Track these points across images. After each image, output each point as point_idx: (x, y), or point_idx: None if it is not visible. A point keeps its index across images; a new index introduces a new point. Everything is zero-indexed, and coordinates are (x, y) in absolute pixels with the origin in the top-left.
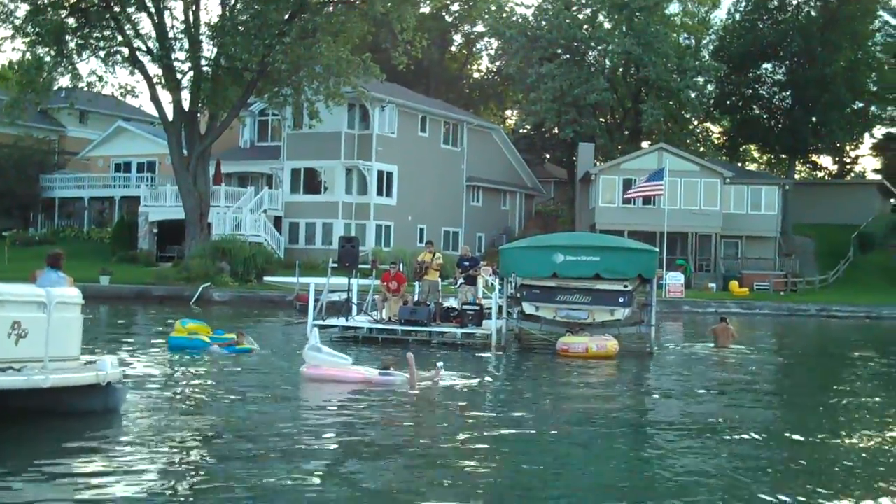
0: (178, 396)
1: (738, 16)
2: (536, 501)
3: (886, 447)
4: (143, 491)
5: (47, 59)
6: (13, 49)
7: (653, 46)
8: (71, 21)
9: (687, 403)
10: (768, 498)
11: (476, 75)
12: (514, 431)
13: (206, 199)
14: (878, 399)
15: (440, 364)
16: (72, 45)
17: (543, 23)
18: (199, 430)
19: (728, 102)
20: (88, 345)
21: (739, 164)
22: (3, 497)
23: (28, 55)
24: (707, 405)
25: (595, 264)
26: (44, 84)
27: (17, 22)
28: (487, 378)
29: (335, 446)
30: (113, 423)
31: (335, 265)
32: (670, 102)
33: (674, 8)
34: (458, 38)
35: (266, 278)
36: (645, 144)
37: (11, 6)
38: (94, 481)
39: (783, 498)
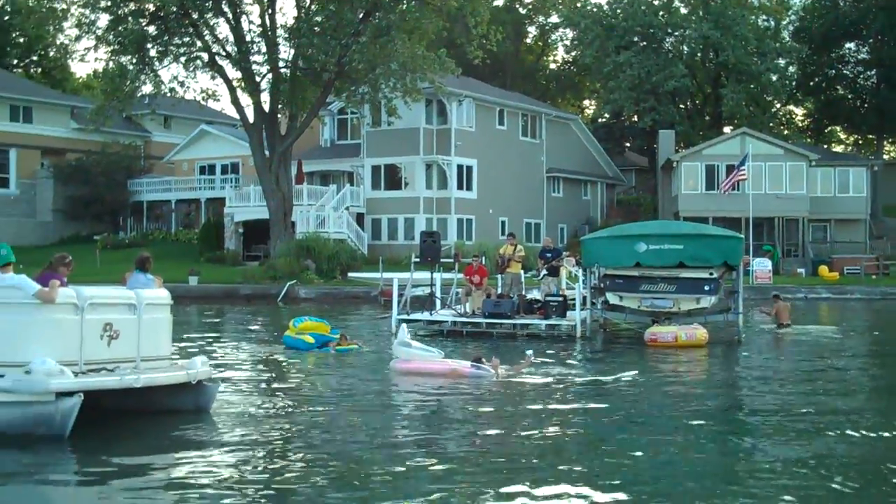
0: (268, 395)
1: None
2: (632, 492)
3: None
4: (232, 490)
5: (130, 67)
6: (96, 59)
7: (731, 30)
8: (151, 29)
9: (778, 391)
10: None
11: (552, 66)
12: (606, 421)
13: (289, 199)
14: None
15: (529, 352)
16: (153, 52)
17: (618, 10)
18: (288, 429)
19: (811, 84)
20: (179, 344)
21: (825, 147)
22: (95, 495)
23: (111, 64)
24: (799, 393)
25: (679, 252)
26: (127, 91)
27: (100, 32)
28: (575, 369)
29: (427, 444)
30: (203, 422)
31: (418, 260)
32: (751, 86)
33: None
34: (532, 30)
35: (350, 274)
36: (727, 130)
37: (93, 17)
38: (183, 480)
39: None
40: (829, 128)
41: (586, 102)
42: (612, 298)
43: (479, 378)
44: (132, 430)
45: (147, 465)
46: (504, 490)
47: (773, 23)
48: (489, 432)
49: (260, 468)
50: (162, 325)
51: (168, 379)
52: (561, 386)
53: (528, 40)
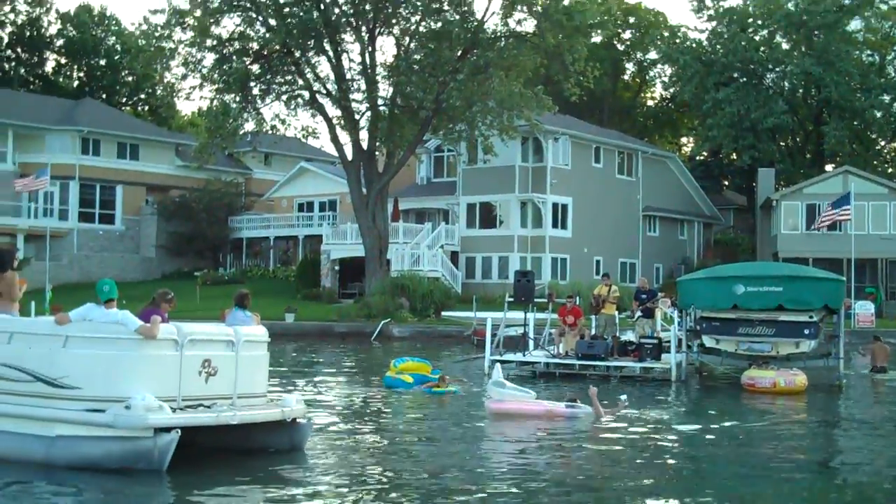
0: (361, 434)
1: None
2: None
3: None
4: None
5: (233, 105)
6: (201, 97)
7: (834, 65)
8: (255, 68)
9: (877, 445)
10: None
11: (650, 103)
12: (697, 469)
13: (385, 237)
14: None
15: (623, 396)
16: (256, 90)
17: (718, 46)
18: (380, 470)
19: None
20: (275, 381)
21: None
22: None
23: (215, 102)
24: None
25: (778, 294)
26: (230, 129)
27: (205, 71)
28: (669, 414)
29: (512, 482)
30: (296, 460)
31: (511, 299)
32: (854, 123)
33: (855, 24)
34: (630, 67)
35: (444, 313)
36: (829, 168)
37: (199, 56)
38: None
39: None
40: None
41: (684, 140)
42: (708, 341)
43: (577, 418)
44: (227, 466)
45: (240, 502)
46: None
47: (877, 58)
48: (572, 478)
49: None
50: (259, 362)
51: (263, 416)
52: (654, 433)
53: (626, 76)
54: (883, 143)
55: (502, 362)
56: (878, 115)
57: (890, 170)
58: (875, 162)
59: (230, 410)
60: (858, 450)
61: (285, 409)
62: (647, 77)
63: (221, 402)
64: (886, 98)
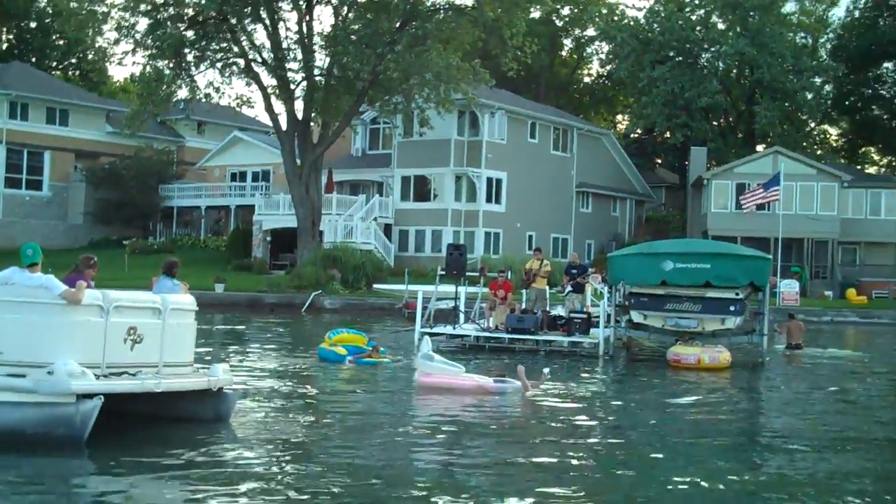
0: (288, 405)
1: (857, 13)
2: None
3: None
4: (246, 499)
5: (167, 71)
6: (134, 63)
7: (768, 47)
8: (189, 34)
9: (800, 416)
10: None
11: (586, 80)
12: (620, 444)
13: (318, 208)
14: None
15: (546, 370)
16: (190, 57)
17: (655, 25)
18: (305, 440)
19: (847, 103)
20: (202, 351)
21: (858, 167)
22: (108, 501)
23: (148, 68)
24: (821, 418)
25: (706, 272)
26: (163, 96)
27: (138, 36)
28: (594, 388)
29: (438, 456)
30: (222, 430)
31: (443, 273)
32: (786, 104)
33: (790, 7)
34: (568, 43)
35: (376, 286)
36: (759, 148)
37: (132, 21)
38: (196, 488)
39: None
40: (864, 148)
41: (619, 117)
42: (636, 317)
43: (505, 393)
44: (150, 435)
45: (162, 472)
46: None
47: (810, 40)
48: (505, 452)
49: (274, 480)
50: (186, 330)
51: (188, 385)
52: (580, 406)
53: (564, 53)
54: (813, 125)
55: (432, 335)
56: (809, 96)
57: (819, 151)
58: (804, 143)
59: (155, 378)
60: (776, 426)
61: (212, 379)
62: (585, 54)
63: (147, 370)
64: (818, 80)
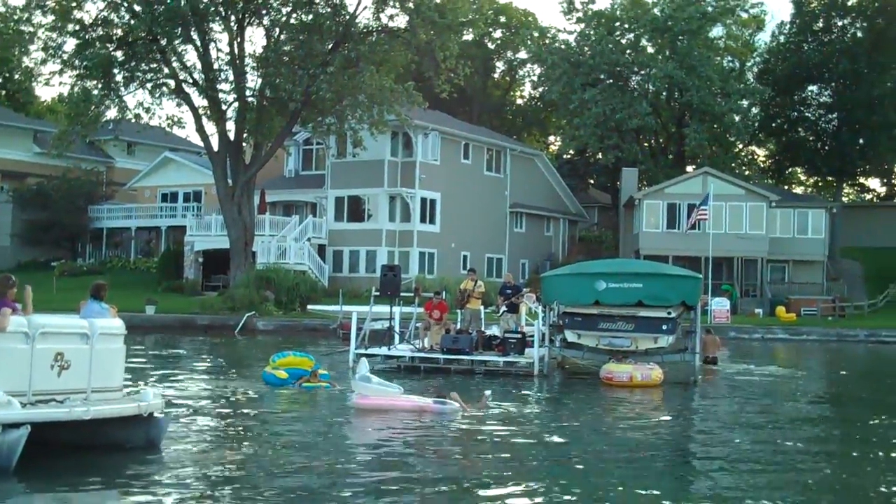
0: (221, 431)
1: (782, 38)
2: None
3: None
4: None
5: (95, 91)
6: (61, 83)
7: (696, 70)
8: (118, 54)
9: (731, 434)
10: None
11: (519, 102)
12: (556, 462)
13: (251, 229)
14: None
15: (487, 392)
16: (119, 77)
17: (586, 48)
18: (238, 466)
19: (773, 125)
20: (132, 375)
21: (785, 188)
22: None
23: (76, 88)
24: (748, 437)
25: (638, 291)
26: (91, 116)
27: (66, 56)
28: (530, 408)
29: (376, 479)
30: (153, 457)
31: (377, 293)
32: (714, 126)
33: (717, 31)
34: (500, 65)
35: (310, 307)
36: (689, 169)
37: (60, 41)
38: None
39: None
40: (790, 169)
41: (551, 138)
42: (570, 336)
43: (444, 414)
44: (80, 464)
45: (91, 501)
46: None
47: (737, 64)
48: (437, 473)
49: None
50: (115, 355)
51: (118, 411)
52: (515, 426)
53: (496, 75)
54: (741, 147)
55: (367, 356)
56: (737, 119)
57: (747, 172)
58: (733, 164)
59: (83, 405)
60: (708, 442)
61: (142, 404)
62: (517, 76)
63: (75, 396)
64: (745, 103)
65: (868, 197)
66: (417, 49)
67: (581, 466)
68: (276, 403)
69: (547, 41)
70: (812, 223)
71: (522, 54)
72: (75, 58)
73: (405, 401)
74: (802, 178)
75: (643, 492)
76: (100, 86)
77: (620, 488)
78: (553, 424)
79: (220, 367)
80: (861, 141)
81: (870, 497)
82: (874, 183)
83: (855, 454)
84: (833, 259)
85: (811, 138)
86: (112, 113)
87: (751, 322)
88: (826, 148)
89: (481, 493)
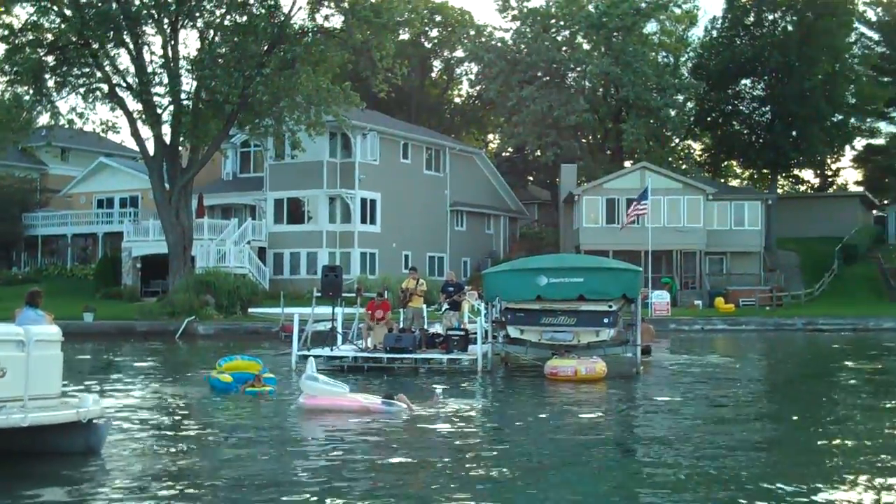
0: (162, 436)
1: (714, 33)
2: None
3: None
4: None
5: (26, 97)
6: None
7: (631, 66)
8: (49, 59)
9: (674, 424)
10: None
11: (457, 100)
12: (504, 458)
13: (189, 233)
14: (862, 413)
15: (438, 389)
16: (51, 83)
17: (522, 46)
18: (182, 471)
19: (708, 119)
20: (72, 382)
21: (722, 181)
22: None
23: (7, 94)
24: (693, 426)
25: (579, 285)
26: (23, 123)
27: None
28: (476, 404)
29: (325, 483)
30: (92, 464)
31: (319, 295)
32: (651, 121)
33: (651, 27)
34: (437, 64)
35: (251, 310)
36: (627, 164)
37: None
38: None
39: None
40: (726, 162)
41: (490, 136)
42: (513, 332)
43: (391, 414)
44: (17, 471)
45: None
46: None
47: (672, 59)
48: (386, 472)
49: None
50: (52, 362)
51: (56, 418)
52: (459, 422)
53: (434, 74)
54: (677, 141)
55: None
56: (673, 113)
57: (684, 166)
58: (670, 158)
59: (20, 412)
60: (655, 431)
61: (80, 410)
62: (454, 75)
63: (11, 404)
64: (680, 98)
65: (802, 188)
66: (354, 49)
67: (525, 460)
68: (218, 408)
69: (483, 39)
70: (748, 215)
71: (459, 53)
72: (5, 63)
73: (352, 401)
74: (738, 171)
75: (592, 485)
76: (31, 91)
77: (569, 481)
78: (499, 419)
79: (161, 373)
80: (794, 133)
81: (805, 473)
82: (808, 174)
83: (795, 437)
84: (770, 250)
85: (745, 131)
86: (44, 119)
87: (690, 314)
88: (760, 141)
89: (433, 494)
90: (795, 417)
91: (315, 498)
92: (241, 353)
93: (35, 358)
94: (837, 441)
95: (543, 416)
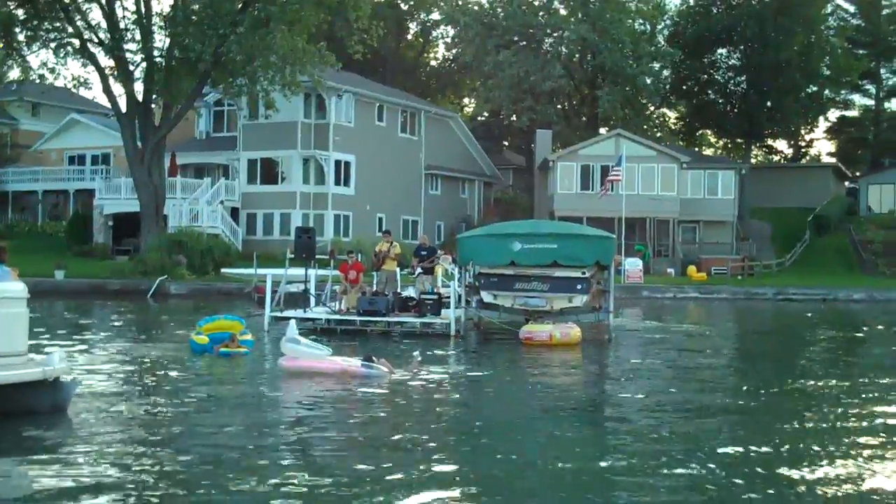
0: (132, 395)
1: (692, 1)
2: (507, 492)
3: (838, 425)
4: (84, 495)
5: None
6: None
7: (608, 32)
8: (20, 13)
9: (648, 389)
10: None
11: (433, 63)
12: (481, 422)
13: (162, 192)
14: (824, 379)
15: (416, 354)
16: (21, 37)
17: (499, 10)
18: (151, 430)
19: (684, 88)
20: (39, 340)
21: (696, 149)
22: None
23: None
24: (665, 391)
25: (552, 252)
26: None
27: None
28: (450, 369)
29: (299, 442)
30: (59, 422)
31: (292, 256)
32: (626, 88)
33: None
34: (413, 27)
35: (224, 270)
36: (602, 131)
37: None
38: (33, 484)
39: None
40: (701, 131)
41: (466, 100)
42: (486, 297)
43: (371, 377)
44: None
45: None
46: (368, 494)
47: (648, 27)
48: (362, 433)
49: (114, 473)
50: (17, 319)
51: (21, 376)
52: (433, 385)
53: (410, 36)
54: (652, 109)
55: (282, 319)
56: (648, 81)
57: (659, 134)
58: (645, 126)
59: None
60: (627, 395)
61: (46, 369)
62: (430, 37)
63: None
64: (656, 66)
65: (776, 159)
66: (329, 9)
67: (504, 424)
68: (190, 368)
69: (460, 2)
70: (722, 184)
71: (436, 15)
72: None
73: (332, 363)
74: (712, 140)
75: (564, 448)
76: (1, 45)
77: (543, 446)
78: (472, 385)
79: (134, 332)
80: (768, 104)
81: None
82: (781, 145)
83: (761, 402)
84: (742, 219)
85: (720, 101)
86: (15, 73)
87: (663, 282)
88: (735, 110)
89: (402, 454)
90: (762, 383)
91: (291, 454)
92: (225, 314)
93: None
94: (805, 405)
95: (518, 379)
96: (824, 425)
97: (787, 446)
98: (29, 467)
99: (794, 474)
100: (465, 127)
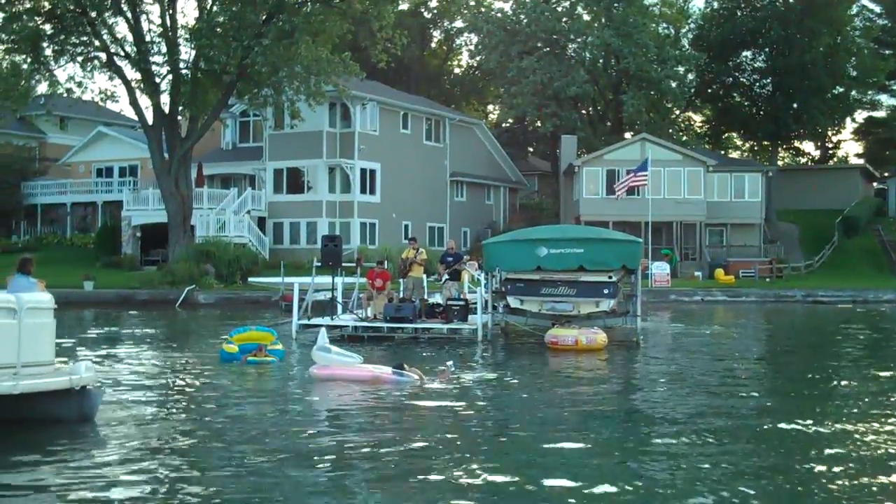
0: (160, 404)
1: (716, 4)
2: (534, 501)
3: (875, 437)
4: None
5: (24, 66)
6: None
7: (632, 37)
8: (47, 28)
9: (676, 395)
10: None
11: (457, 71)
12: (509, 429)
13: (189, 202)
14: (864, 386)
15: (450, 363)
16: (48, 51)
17: (522, 16)
18: (178, 439)
19: (709, 91)
20: (70, 351)
21: (722, 153)
22: None
23: (5, 63)
24: (695, 396)
25: (579, 256)
26: (21, 91)
27: None
28: (481, 375)
29: (326, 450)
30: (86, 431)
31: (319, 264)
32: (651, 92)
33: None
34: (437, 35)
35: (251, 279)
36: (627, 135)
37: None
38: (60, 493)
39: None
40: (727, 134)
41: (490, 107)
42: (513, 302)
43: (401, 384)
44: (9, 440)
45: (24, 478)
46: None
47: (672, 31)
48: (391, 438)
49: (141, 480)
50: (44, 329)
51: (49, 385)
52: (461, 391)
53: (433, 44)
54: (677, 112)
55: (309, 326)
56: (673, 85)
57: (684, 137)
58: (670, 130)
59: (12, 380)
60: (655, 401)
61: (73, 377)
62: (454, 45)
63: (3, 371)
64: (681, 69)
65: (803, 160)
66: (353, 19)
67: (531, 433)
68: (218, 377)
69: (483, 10)
70: (749, 187)
71: (459, 23)
72: (2, 31)
73: (362, 370)
74: (738, 142)
75: (593, 456)
76: (29, 60)
77: (571, 455)
78: (500, 392)
79: (163, 342)
80: (795, 105)
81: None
82: (808, 146)
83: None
84: (770, 222)
85: (746, 103)
86: (43, 87)
87: (690, 285)
88: (761, 113)
89: (432, 463)
90: (792, 385)
91: (320, 471)
92: (257, 325)
93: (27, 325)
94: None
95: (547, 383)
96: (845, 436)
97: (828, 450)
98: (56, 476)
99: (834, 486)
100: (490, 133)
